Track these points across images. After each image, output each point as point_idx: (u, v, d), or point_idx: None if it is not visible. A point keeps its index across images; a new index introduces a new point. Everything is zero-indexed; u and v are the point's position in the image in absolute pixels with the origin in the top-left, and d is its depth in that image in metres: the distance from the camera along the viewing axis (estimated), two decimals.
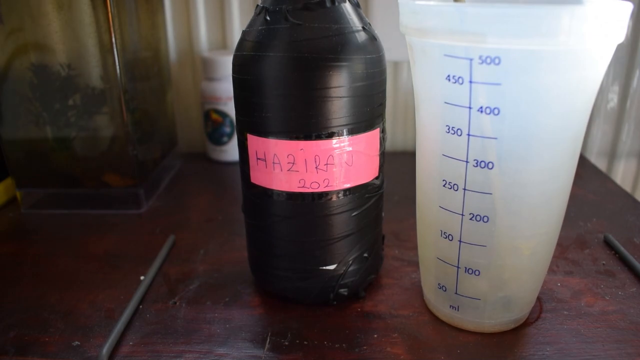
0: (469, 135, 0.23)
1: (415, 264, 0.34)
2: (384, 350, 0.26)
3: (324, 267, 0.29)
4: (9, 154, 0.43)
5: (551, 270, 0.33)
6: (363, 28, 0.26)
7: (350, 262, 0.29)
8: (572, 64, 0.21)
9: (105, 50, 0.39)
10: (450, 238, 0.26)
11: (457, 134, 0.23)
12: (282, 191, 0.27)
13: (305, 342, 0.27)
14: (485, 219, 0.24)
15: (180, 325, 0.29)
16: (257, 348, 0.27)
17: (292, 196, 0.27)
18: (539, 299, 0.30)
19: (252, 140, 0.27)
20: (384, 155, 0.29)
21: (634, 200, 0.44)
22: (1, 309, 0.30)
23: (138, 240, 0.39)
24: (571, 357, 0.26)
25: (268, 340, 0.27)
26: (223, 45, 0.57)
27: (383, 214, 0.32)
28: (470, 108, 0.22)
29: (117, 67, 0.39)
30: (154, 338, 0.28)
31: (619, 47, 0.53)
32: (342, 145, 0.26)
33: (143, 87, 0.45)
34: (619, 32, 0.21)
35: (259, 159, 0.27)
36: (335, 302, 0.30)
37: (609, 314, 0.29)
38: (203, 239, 0.38)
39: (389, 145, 0.59)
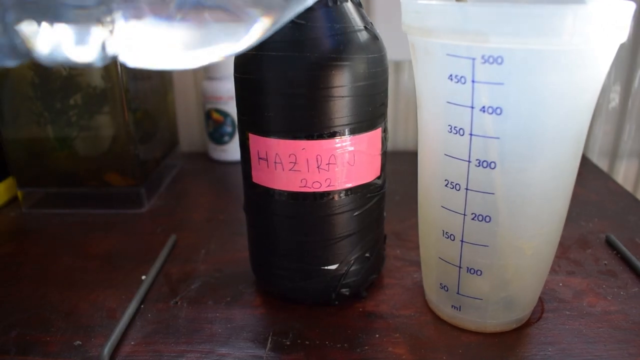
0: (471, 135, 0.23)
1: (417, 264, 0.34)
2: (386, 350, 0.26)
3: (326, 267, 0.29)
4: (11, 153, 0.43)
5: (553, 270, 0.33)
6: (365, 27, 0.26)
7: (352, 262, 0.29)
8: (575, 64, 0.21)
9: None
10: (452, 238, 0.26)
11: (460, 134, 0.23)
12: (284, 191, 0.27)
13: (307, 342, 0.27)
14: (488, 219, 0.24)
15: (181, 325, 0.29)
16: (259, 348, 0.27)
17: (293, 196, 0.27)
18: (540, 299, 0.30)
19: (254, 140, 0.27)
20: (385, 155, 0.29)
21: (636, 200, 0.44)
22: (2, 309, 0.30)
23: (139, 239, 0.39)
24: (573, 358, 0.26)
25: (270, 340, 0.27)
26: None
27: (385, 214, 0.32)
28: (472, 108, 0.22)
29: (119, 67, 0.39)
30: (155, 338, 0.28)
31: (621, 47, 0.52)
32: (344, 144, 0.26)
33: (144, 87, 0.45)
34: (622, 32, 0.21)
35: (261, 158, 0.27)
36: (337, 302, 0.30)
37: (611, 314, 0.29)
38: (204, 239, 0.38)
39: (390, 145, 0.59)
